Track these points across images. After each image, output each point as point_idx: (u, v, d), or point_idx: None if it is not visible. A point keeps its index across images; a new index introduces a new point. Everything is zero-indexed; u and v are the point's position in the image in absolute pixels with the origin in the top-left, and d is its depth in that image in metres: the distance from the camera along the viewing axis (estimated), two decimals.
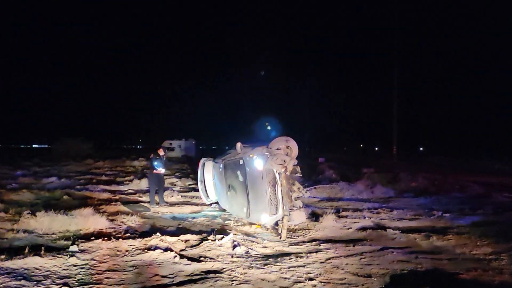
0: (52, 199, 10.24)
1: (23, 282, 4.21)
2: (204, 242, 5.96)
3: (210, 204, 9.82)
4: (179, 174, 18.16)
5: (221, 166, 8.44)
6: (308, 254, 5.63)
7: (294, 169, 7.17)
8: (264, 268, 4.91)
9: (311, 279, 4.60)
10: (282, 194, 6.71)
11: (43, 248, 5.18)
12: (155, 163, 9.87)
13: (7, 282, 4.17)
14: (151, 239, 6.00)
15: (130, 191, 12.60)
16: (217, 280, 4.49)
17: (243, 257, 5.36)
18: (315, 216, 8.36)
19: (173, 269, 4.85)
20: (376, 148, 71.48)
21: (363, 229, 7.39)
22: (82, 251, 5.40)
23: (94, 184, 14.01)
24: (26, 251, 4.96)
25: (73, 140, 33.47)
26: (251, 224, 7.54)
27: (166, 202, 10.09)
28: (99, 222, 7.09)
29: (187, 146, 40.88)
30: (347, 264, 5.23)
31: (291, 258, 5.40)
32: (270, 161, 6.82)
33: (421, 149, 64.16)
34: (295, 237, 6.84)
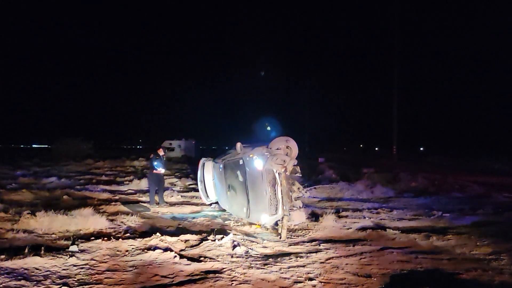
0: (52, 199, 10.24)
1: (23, 282, 4.21)
2: (204, 242, 5.96)
3: (210, 204, 9.82)
4: (179, 174, 18.16)
5: (221, 166, 8.44)
6: (308, 254, 5.63)
7: (294, 169, 7.17)
8: (264, 268, 4.91)
9: (311, 279, 4.60)
10: (282, 194, 6.71)
11: (43, 248, 5.17)
12: (155, 163, 9.87)
13: (7, 282, 4.16)
14: (151, 239, 6.00)
15: (130, 191, 12.60)
16: (217, 280, 4.49)
17: (243, 257, 5.36)
18: (315, 216, 8.36)
19: (173, 269, 4.84)
20: (376, 148, 71.52)
21: (363, 229, 7.39)
22: (82, 251, 5.40)
23: (94, 184, 14.02)
24: (26, 251, 4.95)
25: (73, 140, 33.41)
26: (251, 224, 7.54)
27: (166, 202, 10.09)
28: (99, 222, 7.09)
29: (187, 146, 40.85)
30: (347, 264, 5.23)
31: (291, 258, 5.40)
32: (270, 161, 6.82)
33: (421, 149, 64.17)
34: (295, 237, 6.84)
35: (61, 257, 4.98)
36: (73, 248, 5.43)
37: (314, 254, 5.66)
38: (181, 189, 13.13)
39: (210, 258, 5.28)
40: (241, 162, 7.40)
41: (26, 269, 4.57)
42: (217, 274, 4.68)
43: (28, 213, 7.22)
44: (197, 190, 11.06)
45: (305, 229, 7.36)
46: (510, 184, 15.15)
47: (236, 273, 4.72)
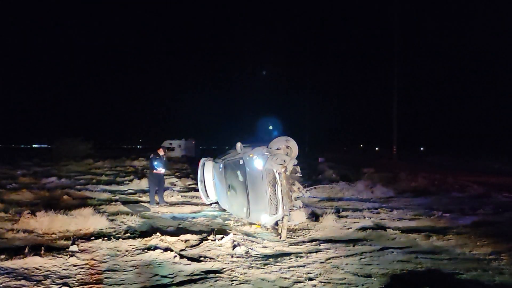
0: (52, 199, 10.24)
1: (23, 282, 4.21)
2: (204, 242, 5.96)
3: (210, 204, 9.81)
4: (179, 174, 18.16)
5: (221, 166, 8.44)
6: (308, 254, 5.63)
7: (294, 169, 7.17)
8: (264, 268, 4.91)
9: (311, 279, 4.60)
10: (282, 194, 6.71)
11: (43, 248, 5.17)
12: (155, 163, 9.87)
13: (7, 282, 4.16)
14: (151, 239, 6.00)
15: (130, 191, 12.60)
16: (217, 280, 4.49)
17: (243, 257, 5.36)
18: (315, 216, 8.36)
19: (173, 269, 4.85)
20: (376, 148, 71.52)
21: (363, 229, 7.39)
22: (82, 251, 5.40)
23: (94, 184, 14.02)
24: (26, 251, 4.95)
25: (73, 140, 33.40)
26: (251, 224, 7.54)
27: (166, 202, 10.08)
28: (99, 222, 7.09)
29: (187, 146, 40.86)
30: (347, 264, 5.23)
31: (291, 258, 5.40)
32: (270, 161, 6.82)
33: (421, 149, 64.18)
34: (295, 237, 6.84)
35: (61, 257, 4.98)
36: (73, 248, 5.43)
37: (314, 254, 5.66)
38: (181, 189, 13.12)
39: (210, 258, 5.28)
40: (241, 162, 7.40)
41: (26, 269, 4.57)
42: (217, 274, 4.68)
43: (28, 213, 7.21)
44: (197, 190, 11.06)
45: (305, 229, 7.36)
46: (510, 184, 15.15)
47: (236, 273, 4.72)
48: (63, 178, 15.38)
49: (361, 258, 5.47)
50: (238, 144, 7.69)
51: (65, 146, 32.39)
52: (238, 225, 7.66)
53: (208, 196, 9.67)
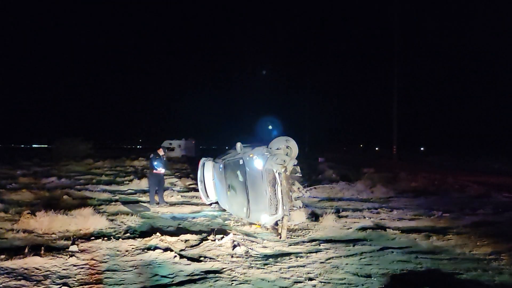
0: (52, 199, 10.23)
1: (23, 282, 4.21)
2: (204, 242, 5.96)
3: (210, 204, 9.81)
4: (179, 174, 18.15)
5: (221, 166, 8.44)
6: (308, 254, 5.63)
7: (294, 169, 7.17)
8: (264, 268, 4.91)
9: (311, 279, 4.60)
10: (282, 194, 6.70)
11: (43, 248, 5.17)
12: (155, 163, 9.87)
13: (7, 282, 4.16)
14: (151, 239, 6.00)
15: (130, 191, 12.60)
16: (217, 280, 4.49)
17: (243, 257, 5.36)
18: (315, 216, 8.36)
19: (173, 269, 4.84)
20: (376, 148, 71.52)
21: (363, 229, 7.39)
22: (82, 251, 5.40)
23: (94, 184, 14.01)
24: (26, 251, 4.95)
25: (73, 140, 33.38)
26: (251, 224, 7.54)
27: (166, 202, 10.08)
28: (99, 222, 7.09)
29: (187, 146, 40.87)
30: (347, 264, 5.23)
31: (291, 258, 5.40)
32: (270, 161, 6.82)
33: (421, 149, 64.19)
34: (295, 237, 6.84)
35: (61, 257, 4.98)
36: (73, 248, 5.43)
37: (314, 254, 5.66)
38: (181, 189, 13.12)
39: (210, 258, 5.28)
40: (241, 162, 7.40)
41: (26, 269, 4.57)
42: (217, 274, 4.68)
43: (28, 213, 7.21)
44: (197, 190, 11.06)
45: (305, 229, 7.36)
46: (510, 184, 15.15)
47: (236, 273, 4.72)
48: (63, 178, 15.38)
49: (361, 258, 5.47)
50: (238, 144, 7.69)
51: (65, 146, 32.37)
52: (238, 225, 7.66)
53: (208, 196, 9.67)
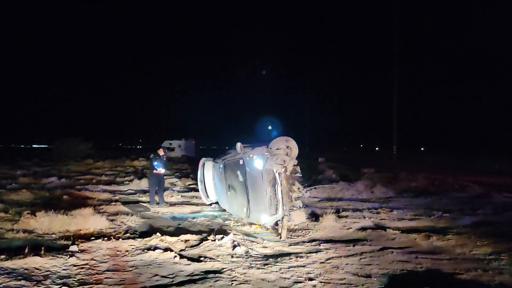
0: (52, 199, 10.24)
1: (23, 282, 4.21)
2: (204, 242, 5.96)
3: (210, 204, 9.81)
4: (179, 174, 18.16)
5: (221, 166, 8.44)
6: (308, 254, 5.63)
7: (294, 169, 7.17)
8: (264, 268, 4.91)
9: (311, 279, 4.60)
10: (282, 194, 6.70)
11: (43, 248, 5.17)
12: (155, 163, 9.87)
13: (7, 282, 4.16)
14: (151, 239, 6.00)
15: (130, 191, 12.60)
16: (217, 280, 4.49)
17: (243, 257, 5.36)
18: (315, 216, 8.36)
19: (173, 269, 4.85)
20: (376, 148, 71.55)
21: (363, 229, 7.39)
22: (82, 251, 5.40)
23: (94, 184, 14.02)
24: (26, 251, 4.95)
25: (73, 140, 33.35)
26: (251, 224, 7.54)
27: (166, 202, 10.08)
28: (99, 222, 7.09)
29: (187, 146, 40.88)
30: (347, 264, 5.23)
31: (291, 258, 5.40)
32: (270, 161, 6.82)
33: (421, 149, 64.20)
34: (295, 237, 6.84)
35: (61, 257, 4.98)
36: (73, 248, 5.43)
37: (314, 254, 5.66)
38: (181, 189, 13.13)
39: (210, 258, 5.28)
40: (241, 162, 7.40)
41: (26, 269, 4.57)
42: (217, 274, 4.68)
43: (28, 213, 7.21)
44: (197, 190, 11.06)
45: (305, 229, 7.36)
46: (510, 184, 15.14)
47: (236, 273, 4.72)
48: (63, 178, 15.38)
49: (361, 258, 5.47)
50: (238, 144, 7.69)
51: (65, 146, 32.33)
52: (238, 225, 7.66)
53: (208, 196, 9.67)
